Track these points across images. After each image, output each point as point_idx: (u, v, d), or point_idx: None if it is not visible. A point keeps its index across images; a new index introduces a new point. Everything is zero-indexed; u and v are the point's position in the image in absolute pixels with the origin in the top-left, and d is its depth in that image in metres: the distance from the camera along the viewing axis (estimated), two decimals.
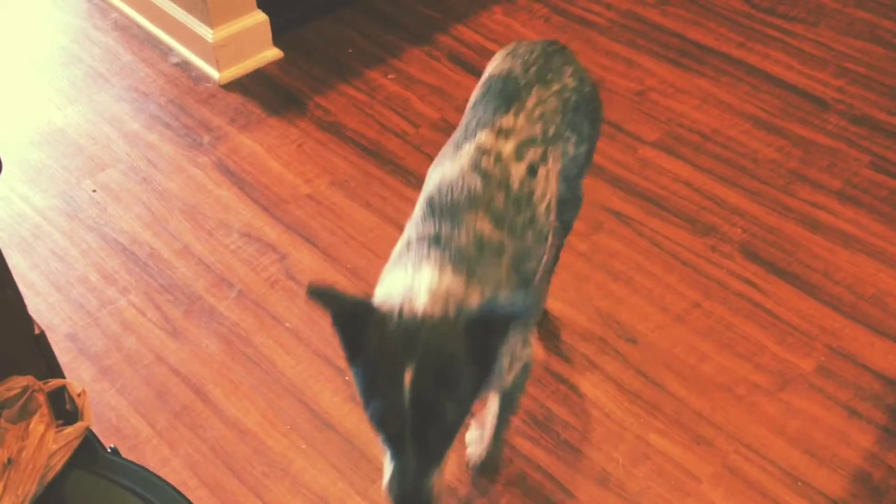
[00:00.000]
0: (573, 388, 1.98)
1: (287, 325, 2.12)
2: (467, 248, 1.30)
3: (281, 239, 2.33)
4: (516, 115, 1.49)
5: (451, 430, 1.18)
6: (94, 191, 2.46)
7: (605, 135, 2.10)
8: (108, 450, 1.09)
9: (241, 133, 2.63)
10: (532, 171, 1.45)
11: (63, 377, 1.09)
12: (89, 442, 1.05)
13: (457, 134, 1.52)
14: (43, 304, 2.14)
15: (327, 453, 1.87)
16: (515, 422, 1.89)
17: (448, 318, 1.16)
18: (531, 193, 1.44)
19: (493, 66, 1.65)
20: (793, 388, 1.95)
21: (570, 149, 1.61)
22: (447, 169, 1.42)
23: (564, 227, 1.92)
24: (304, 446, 1.88)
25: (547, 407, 1.94)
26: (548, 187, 1.49)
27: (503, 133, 1.46)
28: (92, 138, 2.62)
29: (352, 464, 1.84)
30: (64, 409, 0.99)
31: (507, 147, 1.44)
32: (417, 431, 1.13)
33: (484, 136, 1.45)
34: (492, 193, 1.37)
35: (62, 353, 2.02)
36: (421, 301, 1.17)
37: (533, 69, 1.57)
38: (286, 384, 2.00)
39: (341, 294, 1.18)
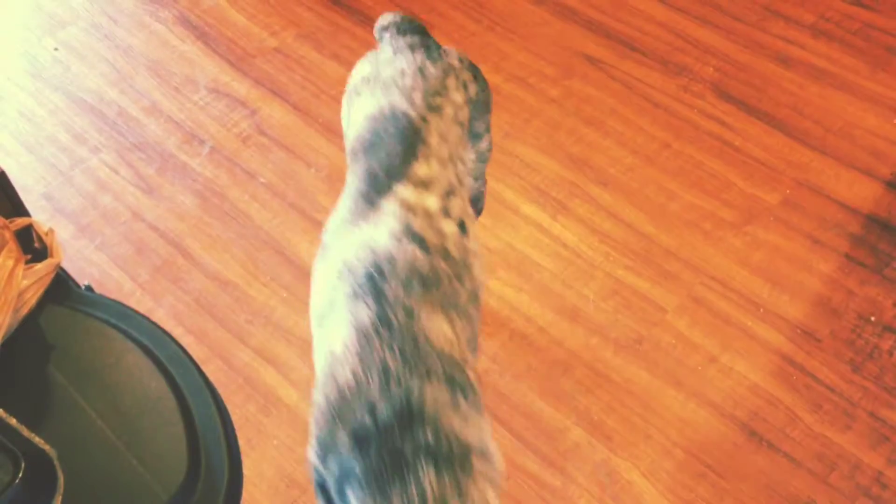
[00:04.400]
0: (545, 231, 2.02)
1: (261, 180, 2.13)
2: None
3: (250, 94, 2.30)
4: (427, 160, 1.27)
5: None
6: (56, 49, 2.40)
7: None
8: (83, 287, 1.13)
9: None
10: (462, 227, 1.24)
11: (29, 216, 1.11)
12: (62, 279, 1.08)
13: (357, 185, 1.27)
14: (14, 164, 2.14)
15: (308, 300, 1.92)
16: (487, 262, 1.95)
17: None
18: (466, 254, 1.23)
19: (365, 99, 1.37)
20: (758, 221, 2.00)
21: (473, 155, 1.45)
22: (372, 233, 1.18)
23: (477, 214, 1.74)
24: (285, 295, 1.93)
25: (519, 250, 1.99)
26: (476, 236, 1.30)
27: (422, 185, 1.23)
28: None
29: None
30: (32, 247, 1.02)
31: (431, 202, 1.23)
32: None
33: (405, 191, 1.22)
34: (436, 269, 1.16)
35: (38, 212, 2.03)
36: None
37: (417, 96, 1.32)
38: (264, 237, 2.03)
39: None
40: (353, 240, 1.18)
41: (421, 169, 1.25)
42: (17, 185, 1.28)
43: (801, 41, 2.34)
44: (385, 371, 1.01)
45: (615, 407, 1.73)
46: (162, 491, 0.96)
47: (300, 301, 1.91)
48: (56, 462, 0.89)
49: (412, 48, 1.40)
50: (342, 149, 2.20)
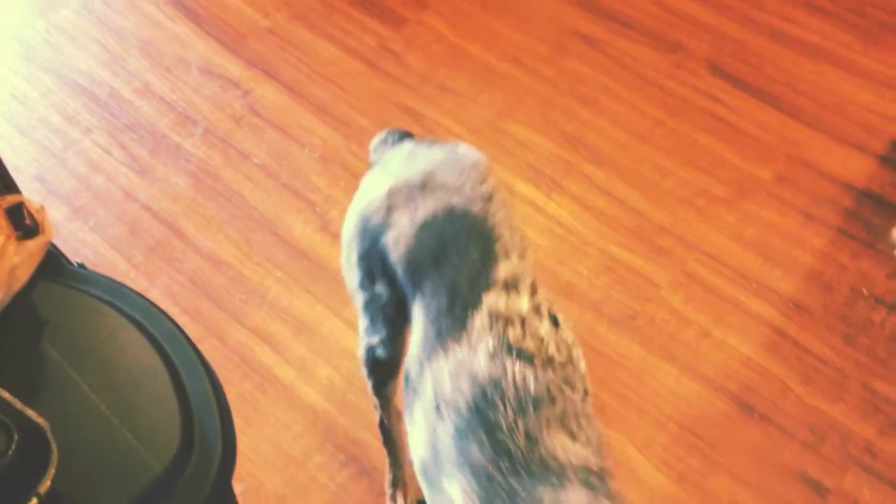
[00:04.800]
0: (539, 209, 2.02)
1: (255, 160, 2.13)
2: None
3: (243, 75, 2.30)
4: (508, 257, 1.15)
5: None
6: (48, 32, 2.39)
7: None
8: (75, 265, 1.13)
9: None
10: (555, 321, 1.12)
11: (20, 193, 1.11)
12: (54, 256, 1.09)
13: (437, 305, 1.12)
14: (7, 146, 2.13)
15: (303, 280, 1.93)
16: None
17: None
18: (569, 351, 1.11)
19: (407, 209, 1.19)
20: (751, 197, 2.01)
21: None
22: (467, 357, 1.05)
23: None
24: (279, 274, 1.94)
25: None
26: (566, 321, 1.17)
27: (510, 287, 1.11)
28: None
29: (327, 289, 1.91)
30: (24, 224, 1.02)
31: (523, 303, 1.10)
32: None
33: (494, 300, 1.09)
34: (545, 383, 1.04)
35: (31, 194, 2.03)
36: None
37: (468, 189, 1.19)
38: (258, 217, 2.03)
39: None
40: (446, 368, 1.05)
41: (504, 269, 1.12)
42: (9, 167, 1.28)
43: (796, 17, 2.33)
44: (512, 496, 0.93)
45: (609, 382, 1.74)
46: (155, 463, 0.97)
47: (294, 281, 1.92)
48: (49, 434, 0.89)
49: (430, 145, 1.31)
50: (336, 129, 2.20)
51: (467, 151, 1.27)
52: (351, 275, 1.31)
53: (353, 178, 2.10)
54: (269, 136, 2.17)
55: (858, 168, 2.03)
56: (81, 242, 1.98)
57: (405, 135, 1.41)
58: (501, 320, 1.07)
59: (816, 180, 2.02)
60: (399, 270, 1.18)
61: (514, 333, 1.06)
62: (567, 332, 1.13)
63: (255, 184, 2.09)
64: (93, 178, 2.10)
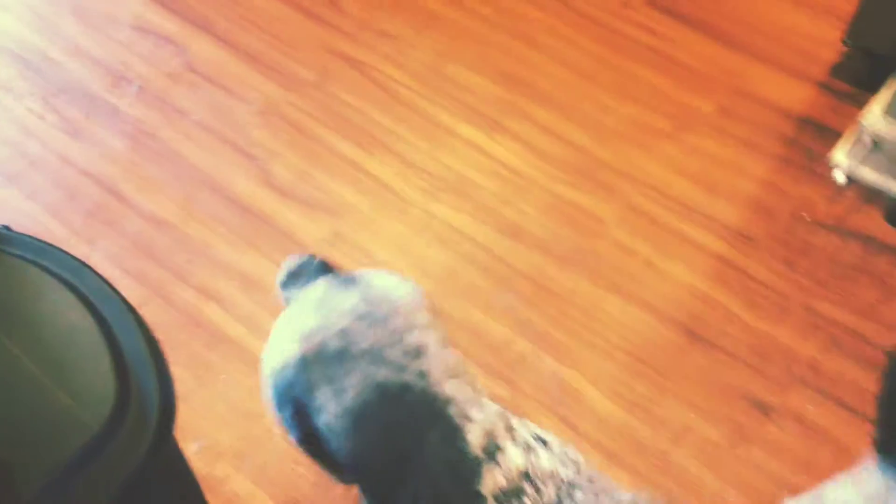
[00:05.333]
0: (483, 151, 2.01)
1: (194, 117, 2.09)
2: None
3: (176, 30, 2.24)
4: (468, 415, 1.06)
5: None
6: None
7: None
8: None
9: None
10: (542, 442, 1.06)
11: None
12: None
13: None
14: None
15: (247, 235, 1.91)
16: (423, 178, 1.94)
17: None
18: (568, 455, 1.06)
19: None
20: (693, 129, 2.01)
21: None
22: None
23: None
24: (223, 231, 1.91)
25: (457, 171, 1.98)
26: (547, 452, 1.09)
27: (491, 452, 1.04)
28: None
29: (272, 242, 1.89)
30: None
31: (515, 458, 1.03)
32: None
33: (489, 483, 1.01)
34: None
35: None
36: None
37: (391, 350, 1.08)
38: (199, 175, 2.00)
39: None
40: None
41: (475, 436, 1.02)
42: None
43: None
44: None
45: (559, 318, 1.76)
46: (92, 422, 0.96)
47: (239, 237, 1.90)
48: None
49: (345, 284, 1.16)
50: (275, 82, 2.16)
51: (384, 290, 1.13)
52: (286, 429, 1.19)
53: (294, 130, 2.07)
54: (207, 91, 2.13)
55: (798, 95, 2.04)
56: (18, 211, 1.93)
57: (319, 267, 1.25)
58: (513, 497, 0.99)
59: (757, 109, 2.03)
60: (350, 469, 1.08)
61: (531, 498, 0.99)
62: (557, 444, 1.06)
63: (195, 141, 2.05)
64: (27, 144, 2.04)
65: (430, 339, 1.09)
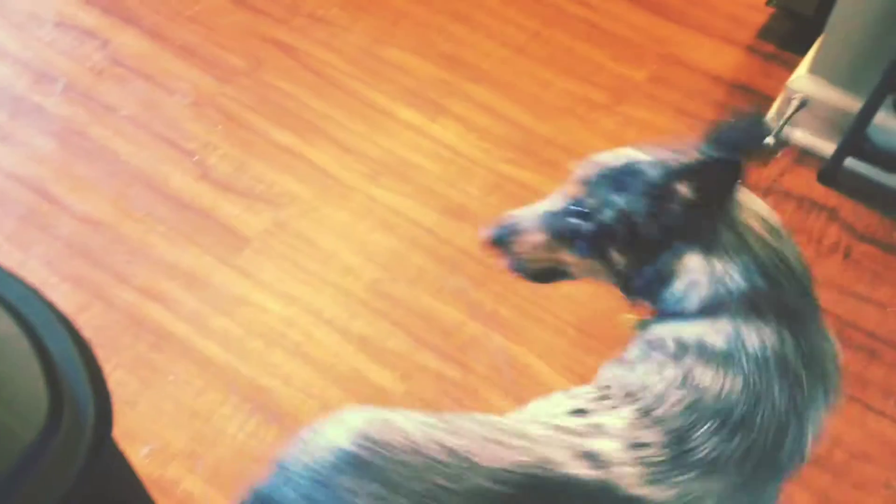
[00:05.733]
0: (424, 133, 2.00)
1: (123, 113, 2.03)
2: None
3: (99, 24, 2.17)
4: None
5: None
6: None
7: None
8: None
9: None
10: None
11: None
12: None
13: None
14: None
15: (187, 232, 1.87)
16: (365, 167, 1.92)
17: None
18: None
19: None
20: (628, 99, 2.03)
21: None
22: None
23: None
24: (162, 229, 1.87)
25: (399, 155, 1.96)
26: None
27: None
28: None
29: (213, 238, 1.85)
30: None
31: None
32: None
33: None
34: None
35: None
36: None
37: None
38: (133, 172, 1.94)
39: None
40: None
41: None
42: None
43: None
44: None
45: (507, 297, 1.76)
46: (24, 432, 0.92)
47: (179, 234, 1.85)
48: None
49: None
50: (205, 71, 2.11)
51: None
52: None
53: (228, 121, 2.02)
54: (135, 85, 2.07)
55: (727, 60, 2.07)
56: None
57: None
58: None
59: (688, 76, 2.05)
60: None
61: None
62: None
63: (126, 137, 1.99)
64: None
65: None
